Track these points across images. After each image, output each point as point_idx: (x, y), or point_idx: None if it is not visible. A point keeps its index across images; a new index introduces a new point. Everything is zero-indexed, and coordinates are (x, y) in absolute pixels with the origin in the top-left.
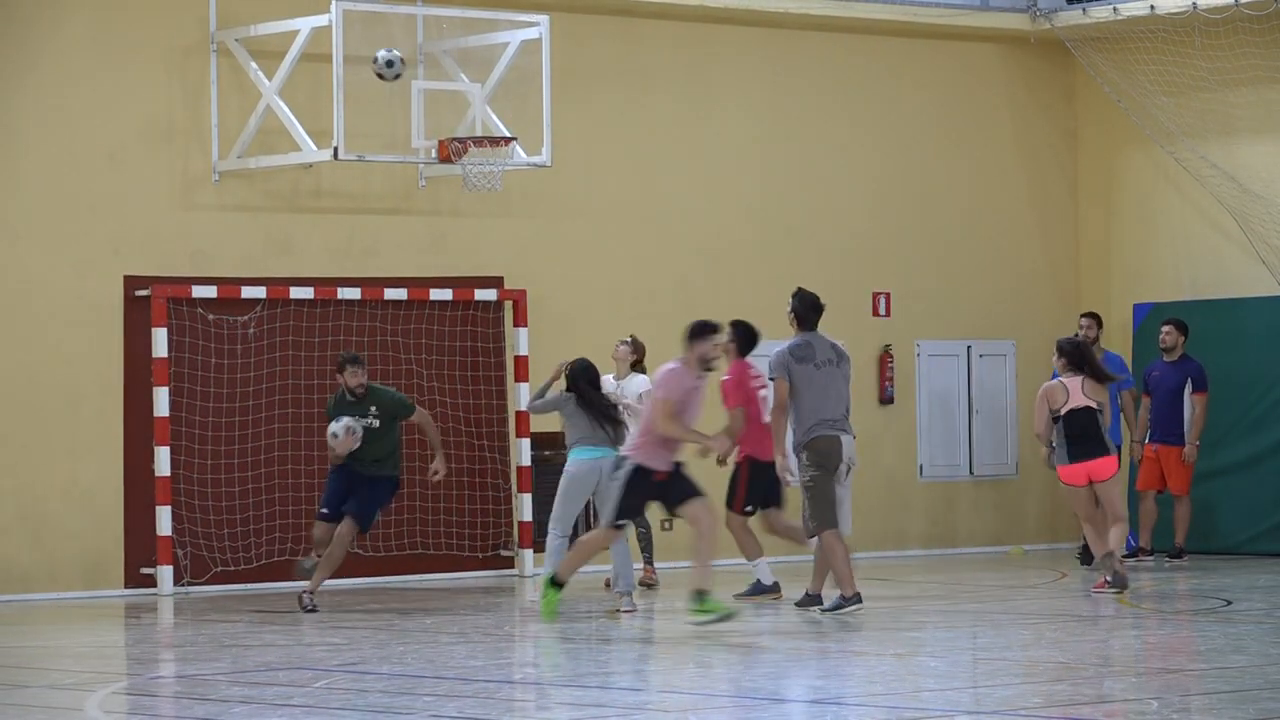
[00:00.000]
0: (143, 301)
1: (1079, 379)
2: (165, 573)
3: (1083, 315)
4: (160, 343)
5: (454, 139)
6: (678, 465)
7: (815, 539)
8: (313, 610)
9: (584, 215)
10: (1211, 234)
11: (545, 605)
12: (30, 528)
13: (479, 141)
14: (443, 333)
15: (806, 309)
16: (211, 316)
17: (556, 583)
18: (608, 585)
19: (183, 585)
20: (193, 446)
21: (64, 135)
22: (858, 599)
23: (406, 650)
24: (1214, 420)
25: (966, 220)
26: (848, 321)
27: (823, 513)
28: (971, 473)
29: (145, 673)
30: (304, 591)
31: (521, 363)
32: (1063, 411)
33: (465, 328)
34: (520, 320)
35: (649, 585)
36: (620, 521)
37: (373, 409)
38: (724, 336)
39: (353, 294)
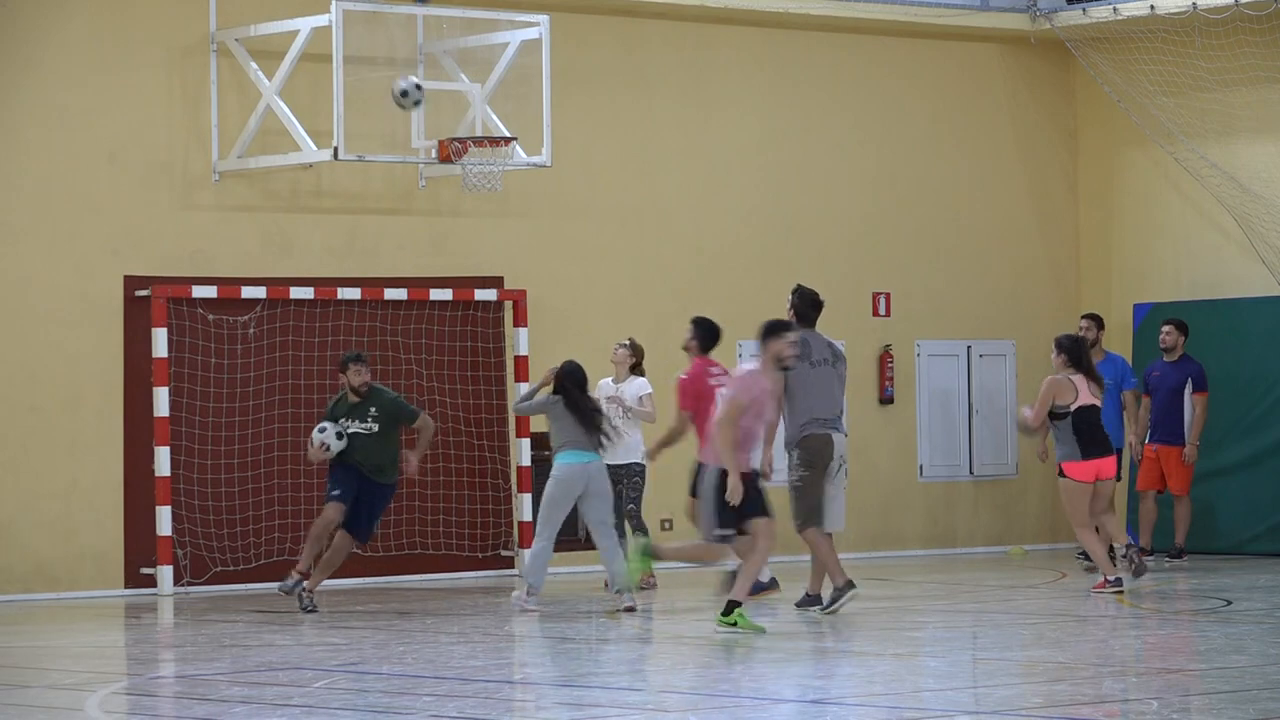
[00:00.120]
0: (143, 301)
1: (1082, 377)
2: (165, 573)
3: (1083, 316)
4: (160, 343)
5: (454, 139)
6: (755, 474)
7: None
8: (312, 610)
9: (584, 215)
10: (1211, 234)
11: (633, 566)
12: (30, 528)
13: (479, 141)
14: (443, 333)
15: (806, 306)
16: (211, 316)
17: (652, 555)
18: (606, 585)
19: (183, 585)
20: (193, 446)
21: (64, 135)
22: (850, 585)
23: (406, 650)
24: (1214, 420)
25: (967, 220)
26: (847, 321)
27: (807, 511)
28: (971, 473)
29: (145, 673)
30: (303, 590)
31: (521, 363)
32: (1072, 408)
33: (465, 328)
34: (520, 320)
35: (646, 587)
36: (724, 532)
37: (372, 410)
38: (795, 334)
39: (353, 294)
